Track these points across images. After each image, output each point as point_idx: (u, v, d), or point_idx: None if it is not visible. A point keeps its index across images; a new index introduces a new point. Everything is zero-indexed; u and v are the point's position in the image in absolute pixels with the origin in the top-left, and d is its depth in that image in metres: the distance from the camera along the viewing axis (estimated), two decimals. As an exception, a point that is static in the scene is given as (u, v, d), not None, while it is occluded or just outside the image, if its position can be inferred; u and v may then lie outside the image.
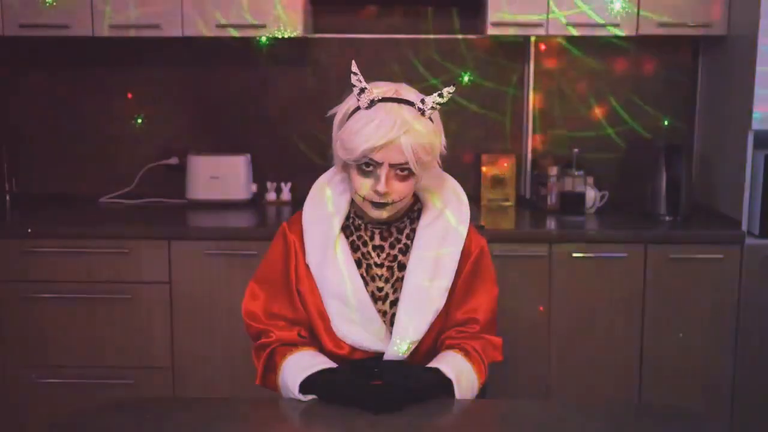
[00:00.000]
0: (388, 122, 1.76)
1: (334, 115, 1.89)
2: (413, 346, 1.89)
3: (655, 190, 3.29)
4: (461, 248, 1.93)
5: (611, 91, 3.59)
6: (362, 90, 1.81)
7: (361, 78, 1.81)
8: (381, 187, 1.79)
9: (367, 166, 1.80)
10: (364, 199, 1.84)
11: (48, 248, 3.04)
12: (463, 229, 1.95)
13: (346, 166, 1.87)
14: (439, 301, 1.90)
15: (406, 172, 1.81)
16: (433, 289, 1.90)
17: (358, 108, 1.82)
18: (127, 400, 1.92)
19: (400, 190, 1.82)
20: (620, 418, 1.83)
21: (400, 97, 1.82)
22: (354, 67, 1.82)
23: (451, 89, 1.85)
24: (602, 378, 3.09)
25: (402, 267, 1.93)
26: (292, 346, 1.92)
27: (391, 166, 1.79)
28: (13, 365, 3.11)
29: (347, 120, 1.82)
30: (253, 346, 1.98)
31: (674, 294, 3.05)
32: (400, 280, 1.92)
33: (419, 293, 1.89)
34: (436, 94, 1.83)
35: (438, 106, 1.84)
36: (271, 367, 1.93)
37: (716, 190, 3.35)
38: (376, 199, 1.82)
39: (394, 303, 1.92)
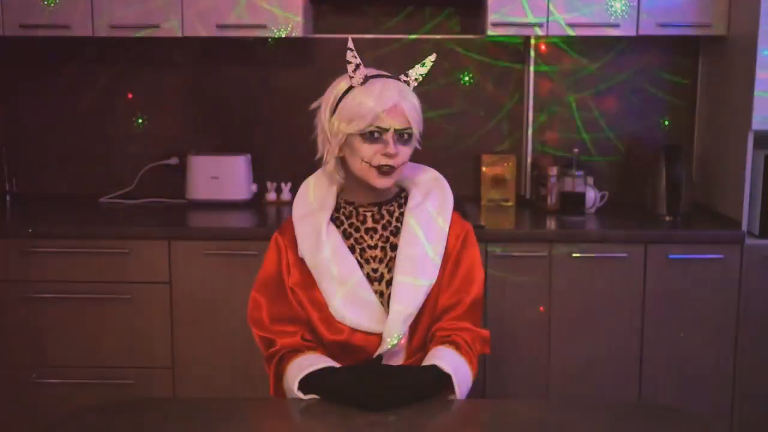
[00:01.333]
0: (389, 89, 1.90)
1: (317, 108, 1.99)
2: (410, 319, 1.92)
3: (655, 190, 3.29)
4: (447, 230, 1.99)
5: (611, 91, 3.58)
6: (357, 66, 1.92)
7: (356, 54, 1.92)
8: (392, 148, 1.89)
9: (372, 135, 1.89)
10: (371, 166, 1.90)
11: (48, 248, 3.04)
12: (448, 213, 2.01)
13: (343, 147, 1.92)
14: (432, 272, 1.95)
15: (405, 137, 1.92)
16: (426, 261, 1.94)
17: (348, 89, 1.91)
18: (127, 400, 1.92)
19: (404, 153, 1.93)
20: (620, 418, 1.83)
21: (386, 74, 1.96)
22: (350, 43, 1.93)
23: (433, 57, 2.00)
24: (602, 378, 3.09)
25: (394, 247, 1.98)
26: (297, 351, 1.93)
27: (395, 131, 1.89)
28: (13, 365, 3.11)
29: (339, 102, 1.91)
30: (263, 356, 1.98)
31: (674, 294, 3.05)
32: (394, 260, 1.96)
33: (413, 263, 1.94)
34: (417, 65, 1.98)
35: (421, 77, 1.97)
36: (280, 376, 1.94)
37: (716, 190, 3.35)
38: (384, 161, 1.90)
39: (390, 283, 1.95)
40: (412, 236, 1.96)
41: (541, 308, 3.06)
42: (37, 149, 3.65)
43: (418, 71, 1.98)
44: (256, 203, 3.52)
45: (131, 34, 3.22)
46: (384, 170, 1.91)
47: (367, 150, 1.90)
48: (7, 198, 3.54)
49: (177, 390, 3.10)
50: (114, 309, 3.08)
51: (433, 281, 1.95)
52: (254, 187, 3.52)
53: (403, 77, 1.96)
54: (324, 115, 1.95)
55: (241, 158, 3.47)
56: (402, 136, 1.91)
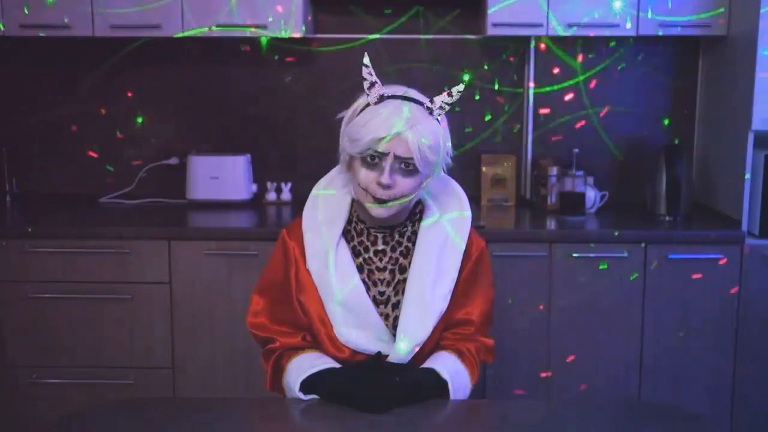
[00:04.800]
0: (396, 116, 1.77)
1: (341, 118, 1.88)
2: (417, 348, 1.89)
3: (655, 190, 3.29)
4: (463, 250, 1.93)
5: (611, 90, 3.58)
6: (372, 84, 1.81)
7: (372, 72, 1.82)
8: (385, 178, 1.78)
9: (372, 158, 1.79)
10: (366, 192, 1.82)
11: (48, 248, 3.04)
12: (465, 230, 1.95)
13: (350, 164, 1.86)
14: (442, 303, 1.90)
15: (411, 168, 1.80)
16: (436, 291, 1.89)
17: (367, 105, 1.82)
18: (127, 400, 1.92)
19: (404, 185, 1.81)
20: (620, 418, 1.83)
21: (409, 96, 1.83)
22: (366, 60, 1.83)
23: (460, 88, 1.84)
24: (602, 378, 3.09)
25: (403, 269, 1.93)
26: (298, 349, 1.93)
27: (396, 158, 1.78)
28: (13, 365, 3.11)
29: (356, 117, 1.83)
30: (261, 351, 1.98)
31: (674, 294, 3.05)
32: (402, 282, 1.92)
33: (423, 295, 1.88)
34: (444, 93, 1.84)
35: (447, 106, 1.84)
36: (279, 371, 1.93)
37: (716, 190, 3.35)
38: (379, 192, 1.80)
39: (396, 306, 1.91)
40: (424, 264, 1.89)
41: (541, 308, 3.06)
42: (37, 149, 3.65)
43: (444, 99, 1.83)
44: (256, 203, 3.52)
45: (131, 34, 3.22)
46: (378, 201, 1.81)
47: (364, 175, 1.80)
48: (7, 198, 3.54)
49: (177, 390, 3.10)
50: (114, 309, 3.08)
51: (443, 310, 1.90)
52: (254, 187, 3.52)
53: (427, 103, 1.83)
54: (342, 125, 1.86)
55: (241, 158, 3.47)
56: (406, 165, 1.79)
